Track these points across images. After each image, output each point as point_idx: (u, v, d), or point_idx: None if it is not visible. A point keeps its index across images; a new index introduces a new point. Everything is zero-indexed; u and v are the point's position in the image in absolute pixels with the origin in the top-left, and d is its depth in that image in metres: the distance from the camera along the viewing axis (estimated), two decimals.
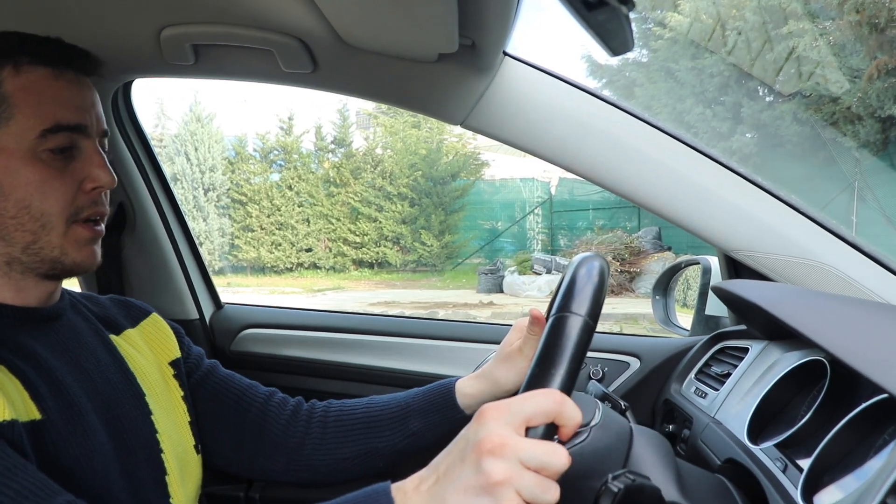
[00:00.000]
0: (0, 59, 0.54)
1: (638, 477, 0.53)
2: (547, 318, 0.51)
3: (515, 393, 0.64)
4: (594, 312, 0.50)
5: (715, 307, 1.07)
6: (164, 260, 1.18)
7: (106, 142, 0.61)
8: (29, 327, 0.56)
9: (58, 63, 0.56)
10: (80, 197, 0.57)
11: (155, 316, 0.74)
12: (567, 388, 0.44)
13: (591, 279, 0.52)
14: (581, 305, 0.49)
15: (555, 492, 0.40)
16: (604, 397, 0.78)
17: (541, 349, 0.47)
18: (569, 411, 0.41)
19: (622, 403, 0.76)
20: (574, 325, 0.48)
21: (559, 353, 0.45)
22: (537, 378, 0.44)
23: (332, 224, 10.81)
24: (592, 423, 0.63)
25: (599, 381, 1.08)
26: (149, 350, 0.69)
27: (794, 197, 0.83)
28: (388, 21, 0.70)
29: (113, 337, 0.65)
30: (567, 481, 0.60)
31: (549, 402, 0.41)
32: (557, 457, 0.40)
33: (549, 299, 0.57)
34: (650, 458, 0.64)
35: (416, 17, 0.66)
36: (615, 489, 0.51)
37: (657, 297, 1.18)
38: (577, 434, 0.62)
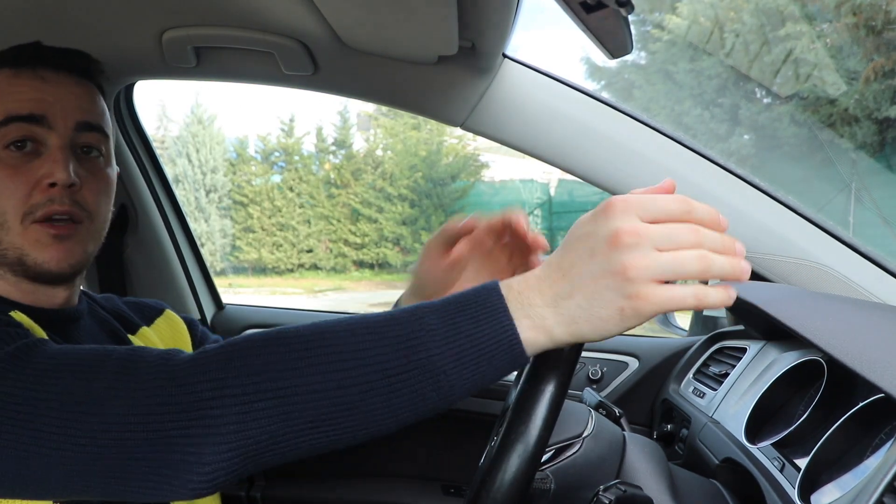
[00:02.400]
0: None
1: (629, 487, 0.53)
2: None
3: (436, 285, 0.59)
4: None
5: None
6: (165, 261, 1.19)
7: (97, 137, 0.58)
8: (43, 327, 0.55)
9: (23, 63, 0.55)
10: (36, 195, 0.54)
11: (168, 312, 0.74)
12: (558, 401, 0.44)
13: None
14: None
15: (693, 263, 0.38)
16: (598, 405, 0.78)
17: (531, 364, 0.47)
18: (700, 209, 0.39)
19: (616, 411, 0.77)
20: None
21: (550, 366, 0.45)
22: (526, 393, 0.44)
23: (333, 225, 10.81)
24: (585, 434, 0.63)
25: (598, 381, 1.09)
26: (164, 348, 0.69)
27: (791, 198, 0.84)
28: (388, 23, 0.70)
29: (130, 336, 0.66)
30: (559, 493, 0.60)
31: (678, 204, 0.39)
32: (694, 233, 0.38)
33: None
34: (643, 467, 0.64)
35: (416, 19, 0.67)
36: (606, 501, 0.51)
37: None
38: (569, 446, 0.63)
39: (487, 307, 0.40)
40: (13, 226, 0.54)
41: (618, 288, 0.38)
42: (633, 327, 0.39)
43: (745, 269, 0.40)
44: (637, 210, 0.38)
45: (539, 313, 0.40)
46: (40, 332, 0.53)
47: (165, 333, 0.71)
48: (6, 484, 0.42)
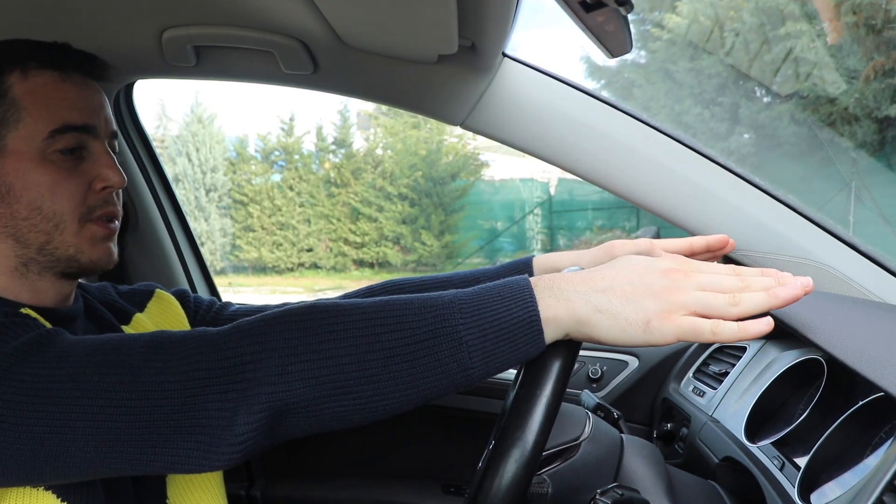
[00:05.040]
0: (8, 65, 0.55)
1: (627, 490, 0.53)
2: None
3: None
4: None
5: None
6: (165, 260, 1.19)
7: (116, 143, 0.62)
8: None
9: (65, 66, 0.57)
10: (91, 197, 0.57)
11: (158, 292, 0.74)
12: (554, 406, 0.44)
13: None
14: None
15: (721, 299, 0.42)
16: (597, 408, 0.78)
17: (527, 369, 0.47)
18: (747, 271, 0.45)
19: (614, 413, 0.77)
20: (560, 344, 0.47)
21: (546, 372, 0.45)
22: (523, 398, 0.45)
23: (333, 224, 10.81)
24: (582, 438, 0.63)
25: (598, 380, 1.09)
26: None
27: (791, 197, 0.84)
28: (388, 22, 0.70)
29: (124, 327, 0.66)
30: (557, 497, 0.60)
31: (728, 268, 0.45)
32: (739, 280, 0.43)
33: None
34: (641, 470, 0.64)
35: (415, 18, 0.67)
36: None
37: None
38: (566, 450, 0.63)
39: (514, 288, 0.44)
40: (69, 225, 0.56)
41: (653, 303, 0.42)
42: (646, 345, 0.42)
43: (782, 296, 0.43)
44: (691, 266, 0.44)
45: (566, 295, 0.43)
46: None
47: (158, 316, 0.71)
48: (40, 463, 0.43)
